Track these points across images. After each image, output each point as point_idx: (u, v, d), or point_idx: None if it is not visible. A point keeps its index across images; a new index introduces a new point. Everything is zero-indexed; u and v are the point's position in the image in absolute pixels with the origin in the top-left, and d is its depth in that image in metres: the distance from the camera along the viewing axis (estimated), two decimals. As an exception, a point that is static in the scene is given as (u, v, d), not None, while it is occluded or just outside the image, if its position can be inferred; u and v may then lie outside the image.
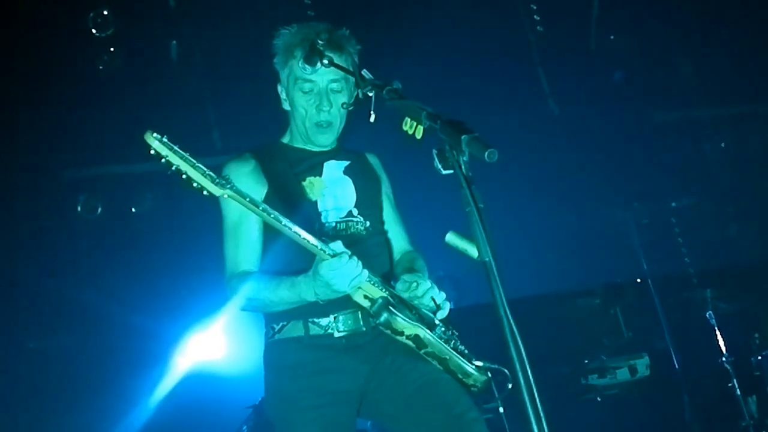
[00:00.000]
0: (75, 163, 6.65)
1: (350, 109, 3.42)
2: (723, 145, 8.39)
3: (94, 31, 6.53)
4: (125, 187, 6.64)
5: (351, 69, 3.27)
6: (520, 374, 2.31)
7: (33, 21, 6.25)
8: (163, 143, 2.83)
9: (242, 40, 6.48)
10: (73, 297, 6.23)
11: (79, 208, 6.56)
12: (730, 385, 6.28)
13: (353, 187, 3.44)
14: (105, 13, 6.53)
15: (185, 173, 2.86)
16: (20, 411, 6.09)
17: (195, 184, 2.88)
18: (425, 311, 3.27)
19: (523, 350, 2.31)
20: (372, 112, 2.92)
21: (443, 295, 3.28)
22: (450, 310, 3.29)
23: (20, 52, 6.20)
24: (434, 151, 2.53)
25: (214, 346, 6.58)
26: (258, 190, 3.29)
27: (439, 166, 2.51)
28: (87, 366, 6.32)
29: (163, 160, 2.84)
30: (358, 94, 3.03)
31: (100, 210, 6.61)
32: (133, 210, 6.70)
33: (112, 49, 6.60)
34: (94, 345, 6.39)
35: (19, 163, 6.30)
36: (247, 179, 3.30)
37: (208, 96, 6.94)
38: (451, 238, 2.61)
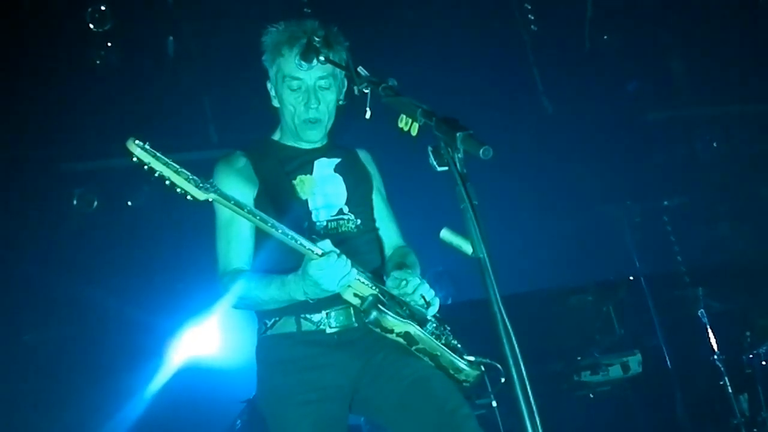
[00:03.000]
0: (71, 157, 6.66)
1: (341, 104, 3.43)
2: (715, 144, 8.41)
3: (91, 26, 6.53)
4: (121, 181, 6.64)
5: (343, 64, 3.26)
6: (513, 370, 2.31)
7: (30, 16, 6.26)
8: (146, 150, 2.85)
9: (238, 36, 6.47)
10: (68, 290, 6.23)
11: (75, 202, 6.57)
12: (721, 382, 6.29)
13: (344, 184, 3.44)
14: (102, 8, 6.52)
15: (168, 179, 2.87)
16: (15, 403, 6.10)
17: (179, 190, 2.90)
18: (416, 307, 3.27)
19: (516, 346, 2.32)
20: (368, 108, 2.92)
21: (432, 291, 3.29)
22: (449, 305, 3.31)
23: (17, 46, 6.20)
24: (429, 148, 2.53)
25: (208, 340, 6.59)
26: (249, 188, 3.31)
27: (434, 163, 2.52)
28: (82, 359, 6.32)
29: (145, 167, 2.86)
30: (353, 90, 3.01)
31: (96, 204, 6.61)
32: (129, 204, 6.71)
33: (109, 44, 6.61)
34: (89, 338, 6.40)
35: (16, 156, 6.30)
36: (238, 178, 3.32)
37: (204, 91, 6.94)
38: (445, 234, 2.62)
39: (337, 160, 3.49)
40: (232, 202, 2.99)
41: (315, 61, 3.27)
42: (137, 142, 2.85)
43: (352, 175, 3.50)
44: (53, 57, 6.36)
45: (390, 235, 3.59)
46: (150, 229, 6.66)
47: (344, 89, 3.43)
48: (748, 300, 7.03)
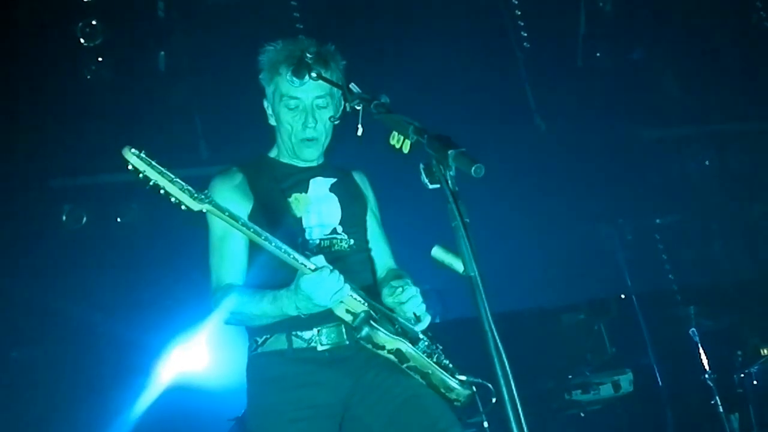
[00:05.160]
0: (61, 173, 6.65)
1: (336, 123, 3.43)
2: (707, 162, 8.44)
3: (82, 40, 6.54)
4: (111, 197, 6.63)
5: (338, 83, 3.26)
6: (504, 389, 2.31)
7: (21, 30, 6.26)
8: (141, 158, 2.87)
9: (230, 52, 6.49)
10: (57, 306, 6.21)
11: (64, 218, 6.55)
12: (712, 402, 6.29)
13: (339, 204, 3.45)
14: (94, 22, 6.53)
15: (163, 188, 2.89)
16: (1, 420, 6.06)
17: (173, 199, 2.91)
18: (408, 325, 3.28)
19: (507, 365, 2.32)
20: (359, 125, 2.92)
21: (424, 306, 3.29)
22: (435, 323, 3.31)
23: (8, 60, 6.19)
24: (421, 166, 2.54)
25: (197, 357, 6.56)
26: (244, 204, 3.31)
27: (426, 181, 2.52)
28: (70, 376, 6.30)
29: (140, 175, 2.87)
30: (345, 107, 3.03)
31: (85, 219, 6.60)
32: (119, 220, 6.69)
33: (100, 58, 6.61)
34: (78, 355, 6.37)
35: (5, 171, 6.28)
36: (233, 194, 3.32)
37: (195, 107, 6.94)
38: (437, 252, 2.62)
39: (332, 180, 3.50)
40: (227, 213, 3.00)
41: (307, 77, 3.28)
42: (133, 150, 2.87)
43: (348, 195, 3.51)
44: (44, 71, 6.36)
45: (383, 257, 3.61)
46: (139, 246, 6.64)
47: (341, 107, 3.43)
48: (739, 319, 7.04)
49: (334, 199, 3.45)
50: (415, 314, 3.27)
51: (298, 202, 3.38)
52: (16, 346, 6.39)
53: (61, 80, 6.48)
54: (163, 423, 6.22)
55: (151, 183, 2.88)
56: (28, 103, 6.28)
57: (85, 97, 6.55)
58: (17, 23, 6.27)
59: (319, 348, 3.23)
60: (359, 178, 3.64)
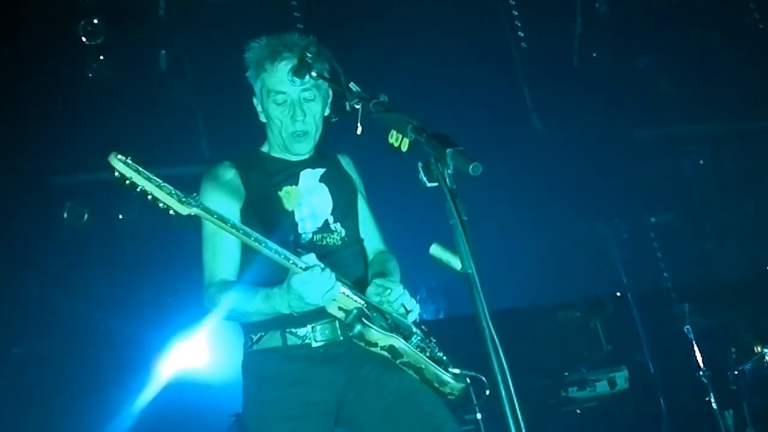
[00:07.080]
0: (62, 170, 6.65)
1: (334, 120, 3.44)
2: (701, 162, 8.47)
3: (84, 39, 6.56)
4: (112, 194, 6.60)
5: (335, 79, 3.21)
6: (501, 385, 2.32)
7: (23, 29, 6.27)
8: (128, 164, 2.84)
9: (231, 49, 6.48)
10: (58, 303, 6.21)
11: (65, 215, 6.56)
12: (707, 398, 6.32)
13: (329, 194, 3.44)
14: (95, 21, 6.55)
15: (150, 194, 2.86)
16: (1, 416, 6.07)
17: (161, 205, 2.88)
18: (401, 319, 3.29)
19: (504, 362, 2.33)
20: (359, 124, 2.92)
21: (414, 301, 3.31)
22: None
23: (10, 58, 6.21)
24: (419, 164, 2.55)
25: (197, 354, 6.57)
26: (235, 200, 3.32)
27: (424, 179, 2.53)
28: (70, 373, 6.28)
29: (127, 182, 2.84)
30: (345, 106, 3.00)
31: (86, 217, 6.60)
32: (120, 217, 6.70)
33: (101, 57, 6.63)
34: (78, 352, 6.36)
35: (6, 168, 6.29)
36: (224, 191, 3.32)
37: (196, 104, 6.94)
38: (435, 250, 2.64)
39: (321, 170, 3.48)
40: (215, 216, 2.98)
41: (307, 77, 3.27)
42: (119, 156, 2.84)
43: (337, 184, 3.50)
44: (45, 69, 6.36)
45: (372, 239, 3.59)
46: (141, 243, 6.63)
47: (329, 99, 3.44)
48: (733, 316, 7.07)
49: (324, 190, 3.44)
50: (404, 306, 3.28)
51: (289, 196, 3.37)
52: (17, 343, 6.38)
53: (63, 78, 6.47)
54: (163, 419, 6.22)
55: (138, 189, 2.85)
56: (31, 101, 6.28)
57: (86, 95, 6.54)
58: (20, 22, 6.28)
59: (314, 344, 3.23)
60: (344, 162, 3.62)
